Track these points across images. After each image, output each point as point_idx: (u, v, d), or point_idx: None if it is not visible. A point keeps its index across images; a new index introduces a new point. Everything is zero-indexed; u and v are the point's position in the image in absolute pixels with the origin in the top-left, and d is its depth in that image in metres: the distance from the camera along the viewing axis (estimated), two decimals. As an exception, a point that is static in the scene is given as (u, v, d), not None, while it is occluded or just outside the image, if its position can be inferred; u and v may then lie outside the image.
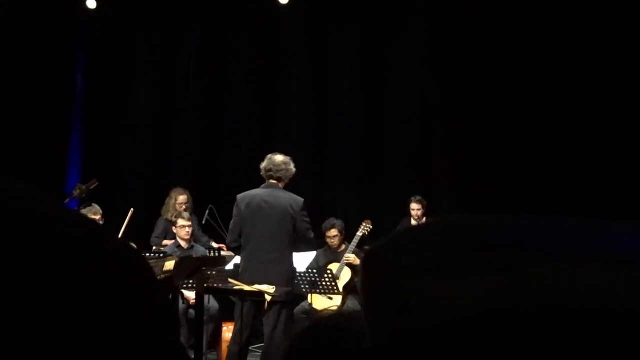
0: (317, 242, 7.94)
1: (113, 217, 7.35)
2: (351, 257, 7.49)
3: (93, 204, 7.09)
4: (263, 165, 6.15)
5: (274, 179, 6.10)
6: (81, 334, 0.46)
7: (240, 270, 6.08)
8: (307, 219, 6.10)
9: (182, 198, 8.39)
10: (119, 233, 7.03)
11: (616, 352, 0.49)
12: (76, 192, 6.73)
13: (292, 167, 6.16)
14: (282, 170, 6.09)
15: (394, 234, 0.59)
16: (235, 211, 6.15)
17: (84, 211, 6.51)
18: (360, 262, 0.63)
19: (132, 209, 7.34)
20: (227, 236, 6.51)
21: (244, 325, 5.99)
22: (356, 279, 7.68)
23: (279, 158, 6.14)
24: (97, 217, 6.91)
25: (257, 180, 6.48)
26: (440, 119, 9.06)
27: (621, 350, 0.49)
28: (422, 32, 9.05)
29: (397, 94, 9.33)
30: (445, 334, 0.52)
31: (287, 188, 6.24)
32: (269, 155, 6.19)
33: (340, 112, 9.64)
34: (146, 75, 10.06)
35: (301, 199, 6.07)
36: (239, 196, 6.16)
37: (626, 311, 0.49)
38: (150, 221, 8.64)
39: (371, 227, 7.68)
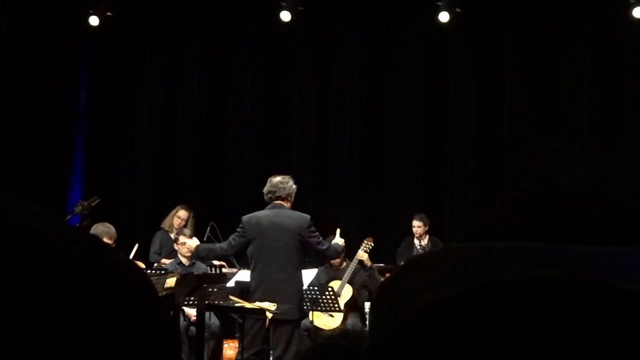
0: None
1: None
2: (365, 256, 7.53)
3: (108, 225, 6.71)
4: (265, 189, 6.24)
5: (277, 199, 6.15)
6: (81, 351, 0.46)
7: (250, 290, 6.11)
8: (316, 234, 6.18)
9: (182, 213, 8.48)
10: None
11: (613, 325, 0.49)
12: (78, 209, 6.71)
13: (291, 183, 6.23)
14: (281, 189, 6.17)
15: (409, 260, 0.59)
16: (240, 231, 6.21)
17: (98, 231, 6.31)
18: (376, 288, 0.63)
19: (137, 245, 7.46)
20: None
21: (249, 342, 6.03)
22: (357, 296, 7.66)
23: (277, 178, 6.23)
24: (111, 241, 6.35)
25: (258, 198, 6.49)
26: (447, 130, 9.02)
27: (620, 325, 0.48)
28: (425, 38, 9.08)
29: (400, 104, 9.35)
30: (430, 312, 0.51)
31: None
32: (269, 179, 6.28)
33: (341, 125, 9.65)
34: (149, 92, 10.09)
35: (307, 216, 6.15)
36: (245, 217, 6.21)
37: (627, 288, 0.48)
38: (152, 238, 8.65)
39: (372, 244, 7.67)
